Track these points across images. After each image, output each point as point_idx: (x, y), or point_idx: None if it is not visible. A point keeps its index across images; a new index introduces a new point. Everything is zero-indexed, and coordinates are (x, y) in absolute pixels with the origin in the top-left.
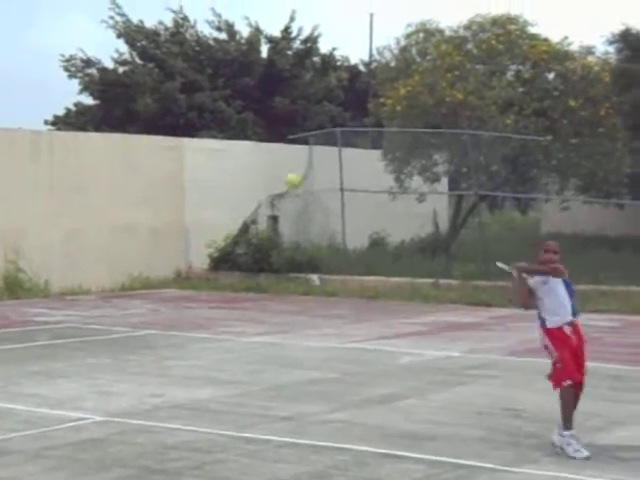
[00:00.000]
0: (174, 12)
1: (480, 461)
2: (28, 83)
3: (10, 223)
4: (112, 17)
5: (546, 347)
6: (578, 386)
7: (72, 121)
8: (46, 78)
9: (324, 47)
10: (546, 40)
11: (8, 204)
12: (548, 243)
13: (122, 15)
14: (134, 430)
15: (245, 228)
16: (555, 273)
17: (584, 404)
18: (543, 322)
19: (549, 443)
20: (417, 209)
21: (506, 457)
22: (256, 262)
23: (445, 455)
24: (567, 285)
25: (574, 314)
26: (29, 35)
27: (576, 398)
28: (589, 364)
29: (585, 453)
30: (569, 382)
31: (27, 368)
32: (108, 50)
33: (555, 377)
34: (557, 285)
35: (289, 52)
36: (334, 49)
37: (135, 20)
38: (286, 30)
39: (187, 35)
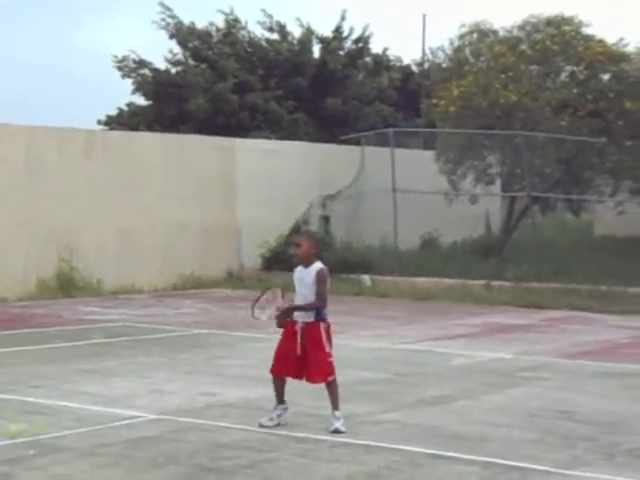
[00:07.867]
0: (225, 14)
1: (533, 463)
2: (80, 83)
3: (64, 222)
4: (163, 19)
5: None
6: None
7: (125, 121)
8: (98, 78)
9: (376, 47)
10: (601, 41)
11: (62, 203)
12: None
13: (173, 17)
14: (187, 428)
15: (297, 228)
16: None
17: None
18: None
19: (604, 445)
20: (469, 210)
21: (560, 460)
22: None
23: (498, 457)
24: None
25: None
26: (78, 36)
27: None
28: (633, 366)
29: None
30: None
31: (80, 366)
32: (157, 51)
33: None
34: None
35: (341, 52)
36: (386, 49)
37: (186, 22)
38: (337, 30)
39: (239, 36)
